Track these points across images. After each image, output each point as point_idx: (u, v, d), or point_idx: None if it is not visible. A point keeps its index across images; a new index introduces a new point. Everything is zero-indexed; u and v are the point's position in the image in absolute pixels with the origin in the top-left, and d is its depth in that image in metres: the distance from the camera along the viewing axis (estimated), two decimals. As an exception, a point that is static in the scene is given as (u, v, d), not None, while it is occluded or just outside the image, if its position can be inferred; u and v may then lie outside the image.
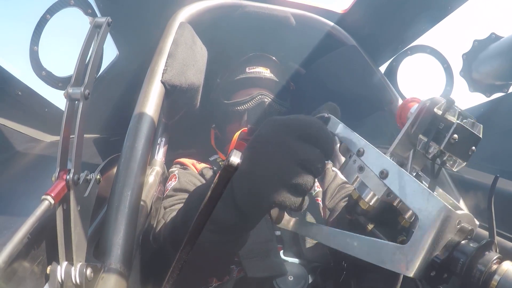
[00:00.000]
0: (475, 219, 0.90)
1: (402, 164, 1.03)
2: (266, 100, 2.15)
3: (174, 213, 1.63)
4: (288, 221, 1.18)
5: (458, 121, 0.89)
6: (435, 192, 1.00)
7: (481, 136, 0.93)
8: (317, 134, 0.97)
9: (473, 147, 0.92)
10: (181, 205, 1.72)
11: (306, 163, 0.94)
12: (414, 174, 1.04)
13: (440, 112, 0.91)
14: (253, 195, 0.97)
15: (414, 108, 1.02)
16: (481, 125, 0.95)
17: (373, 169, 0.97)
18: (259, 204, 0.98)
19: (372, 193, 1.03)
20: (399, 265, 0.83)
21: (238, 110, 2.15)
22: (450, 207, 0.78)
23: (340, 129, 1.11)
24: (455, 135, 0.87)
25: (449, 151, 0.89)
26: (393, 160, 1.02)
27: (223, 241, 1.12)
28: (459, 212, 0.80)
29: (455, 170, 0.94)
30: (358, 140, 1.04)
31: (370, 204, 1.04)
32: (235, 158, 0.73)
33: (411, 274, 0.81)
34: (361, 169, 1.02)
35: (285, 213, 1.17)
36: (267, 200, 0.94)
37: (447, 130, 0.88)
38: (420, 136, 0.95)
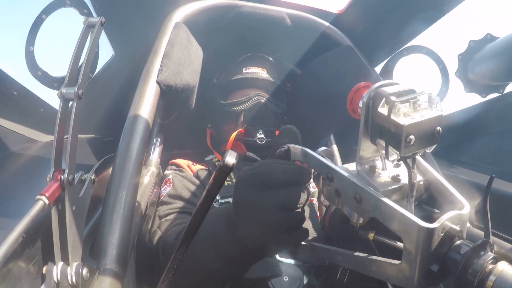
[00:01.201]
0: (465, 207, 0.90)
1: (375, 168, 1.00)
2: (262, 100, 2.14)
3: (169, 223, 1.64)
4: (305, 248, 1.18)
5: (406, 123, 0.80)
6: (419, 177, 0.99)
7: (442, 112, 0.87)
8: (281, 176, 0.99)
9: (438, 128, 0.85)
10: (176, 214, 1.73)
11: (287, 206, 0.98)
12: (393, 163, 1.01)
13: (385, 113, 0.85)
14: (260, 249, 1.04)
15: (364, 97, 0.95)
16: (437, 97, 0.89)
17: (347, 193, 0.95)
18: (269, 252, 1.07)
19: (356, 215, 1.03)
20: (401, 280, 0.85)
21: (235, 110, 2.15)
22: (425, 224, 0.79)
23: (303, 155, 1.09)
24: (411, 136, 0.81)
25: (411, 151, 0.85)
26: (363, 167, 1.00)
27: (233, 271, 1.19)
28: (436, 225, 0.80)
29: (429, 151, 0.92)
30: (323, 166, 1.02)
31: (360, 222, 1.04)
32: (230, 159, 0.73)
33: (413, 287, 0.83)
34: (337, 193, 1.01)
35: None
36: (274, 249, 1.06)
37: (399, 134, 0.82)
38: (378, 140, 0.91)
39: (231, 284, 1.53)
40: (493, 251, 0.82)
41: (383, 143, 0.89)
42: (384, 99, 0.87)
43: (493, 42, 2.56)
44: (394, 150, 0.86)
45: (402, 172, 0.98)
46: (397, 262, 0.85)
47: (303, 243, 1.17)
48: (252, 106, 2.13)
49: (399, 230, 0.83)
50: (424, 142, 0.85)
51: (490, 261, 0.77)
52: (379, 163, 1.00)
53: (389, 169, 1.00)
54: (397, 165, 1.02)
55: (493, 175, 1.07)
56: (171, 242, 1.42)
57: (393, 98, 0.84)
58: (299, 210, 1.02)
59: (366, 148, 0.98)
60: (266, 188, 0.98)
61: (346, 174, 0.96)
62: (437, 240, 0.80)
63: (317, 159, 1.04)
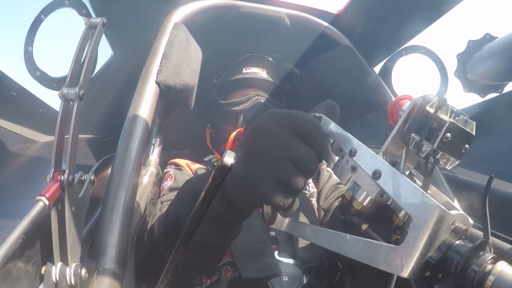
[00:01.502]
0: (469, 218, 0.90)
1: (394, 163, 1.02)
2: (262, 100, 2.15)
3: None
4: (282, 222, 1.17)
5: (450, 120, 0.87)
6: (428, 191, 1.00)
7: (474, 133, 0.92)
8: (313, 133, 0.94)
9: (466, 145, 0.89)
10: None
11: (299, 162, 0.91)
12: (408, 172, 1.03)
13: (432, 110, 0.88)
14: (243, 187, 0.94)
15: (406, 105, 1.00)
16: (474, 123, 0.92)
17: (366, 169, 0.95)
18: (248, 198, 0.95)
19: (365, 193, 1.02)
20: (393, 266, 0.83)
21: (234, 110, 2.16)
22: (443, 207, 0.78)
23: (332, 128, 1.09)
24: (448, 134, 0.85)
25: (442, 150, 0.87)
26: (385, 159, 1.02)
27: (213, 229, 1.10)
28: (453, 212, 0.80)
29: (448, 168, 0.93)
30: (350, 140, 1.02)
31: (364, 204, 1.03)
32: (229, 159, 0.73)
33: (405, 275, 0.81)
34: (353, 169, 1.01)
35: (278, 214, 1.16)
36: (256, 195, 0.92)
37: (440, 128, 0.86)
38: (413, 135, 0.93)
39: (230, 283, 1.53)
40: (492, 251, 0.82)
41: (417, 137, 0.91)
42: (436, 98, 0.91)
43: (492, 42, 2.56)
44: (428, 142, 0.88)
45: (416, 181, 0.99)
46: (394, 245, 0.85)
47: (281, 217, 1.17)
48: (251, 106, 2.14)
49: (412, 209, 0.82)
50: (453, 149, 0.89)
51: (489, 261, 0.77)
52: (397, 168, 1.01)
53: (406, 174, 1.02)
54: (412, 174, 1.03)
55: (492, 175, 1.07)
56: (161, 220, 1.38)
57: (445, 97, 0.88)
58: (305, 177, 0.94)
59: (394, 144, 1.00)
60: (293, 133, 0.92)
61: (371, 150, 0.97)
62: (445, 231, 0.80)
63: (345, 133, 1.05)
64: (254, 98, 2.14)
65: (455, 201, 1.01)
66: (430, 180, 0.96)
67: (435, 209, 0.79)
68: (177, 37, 1.95)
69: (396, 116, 1.06)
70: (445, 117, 0.87)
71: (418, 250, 0.80)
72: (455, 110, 0.91)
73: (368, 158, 0.96)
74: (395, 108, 1.08)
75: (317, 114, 1.11)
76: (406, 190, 0.85)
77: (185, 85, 1.88)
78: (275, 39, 2.48)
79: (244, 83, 2.25)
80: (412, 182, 0.85)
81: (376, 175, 0.92)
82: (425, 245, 0.79)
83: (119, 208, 1.23)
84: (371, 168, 0.94)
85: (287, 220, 1.17)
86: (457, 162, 0.91)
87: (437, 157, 0.90)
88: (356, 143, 1.00)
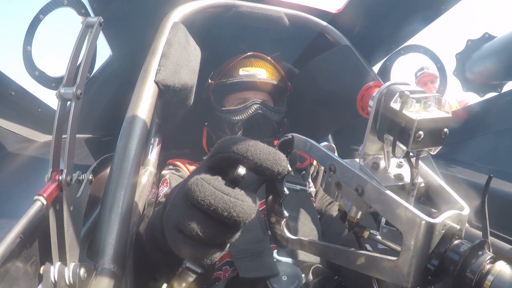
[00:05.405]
0: (465, 209, 0.90)
1: (378, 165, 1.01)
2: (260, 111, 2.12)
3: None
4: (296, 242, 1.18)
5: (417, 117, 0.82)
6: (421, 179, 0.99)
7: (450, 113, 0.89)
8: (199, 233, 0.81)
9: (445, 129, 0.86)
10: None
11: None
12: (395, 164, 1.02)
13: (397, 108, 0.86)
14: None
15: (374, 94, 0.97)
16: (446, 100, 0.91)
17: (349, 185, 0.95)
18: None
19: (355, 208, 1.02)
20: (397, 278, 0.84)
21: (232, 120, 2.14)
22: (428, 219, 0.79)
23: (307, 146, 1.08)
24: (420, 132, 0.82)
25: (418, 148, 0.85)
26: (367, 163, 1.00)
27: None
28: (438, 220, 0.80)
29: (433, 153, 0.92)
30: (327, 157, 1.01)
31: (357, 217, 1.03)
32: (242, 170, 0.74)
33: (408, 285, 0.82)
34: (338, 185, 1.00)
35: (289, 235, 1.17)
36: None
37: (410, 128, 0.82)
38: (386, 135, 0.91)
39: (228, 283, 1.53)
40: (491, 250, 0.82)
41: (390, 138, 0.89)
42: (398, 94, 0.87)
43: (491, 41, 2.56)
44: (402, 145, 0.86)
45: (404, 173, 0.98)
46: (393, 258, 0.85)
47: (292, 237, 1.17)
48: (249, 116, 2.12)
49: (400, 224, 0.82)
50: (431, 141, 0.86)
51: (488, 261, 0.77)
52: (382, 163, 1.00)
53: (392, 168, 1.00)
54: (400, 166, 1.02)
55: (491, 175, 1.07)
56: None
57: (407, 92, 0.84)
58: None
59: (371, 145, 0.98)
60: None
61: (349, 166, 0.96)
62: (437, 237, 0.80)
63: (321, 150, 1.03)
64: (253, 107, 2.12)
65: (450, 189, 0.98)
66: (418, 171, 0.95)
67: (419, 223, 0.79)
68: (176, 36, 1.95)
69: (365, 108, 1.04)
70: (412, 114, 0.83)
71: (414, 262, 0.81)
72: (421, 96, 0.87)
73: (347, 174, 0.96)
74: (363, 100, 1.07)
75: (289, 135, 1.10)
76: (389, 205, 0.85)
77: (184, 85, 1.88)
78: (274, 38, 2.48)
79: (241, 86, 2.22)
80: (394, 196, 0.85)
81: (359, 191, 0.91)
82: (419, 256, 0.80)
83: (118, 208, 1.23)
84: (353, 184, 0.93)
85: (299, 239, 1.17)
86: (440, 147, 0.90)
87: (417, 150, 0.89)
88: (333, 159, 1.00)
